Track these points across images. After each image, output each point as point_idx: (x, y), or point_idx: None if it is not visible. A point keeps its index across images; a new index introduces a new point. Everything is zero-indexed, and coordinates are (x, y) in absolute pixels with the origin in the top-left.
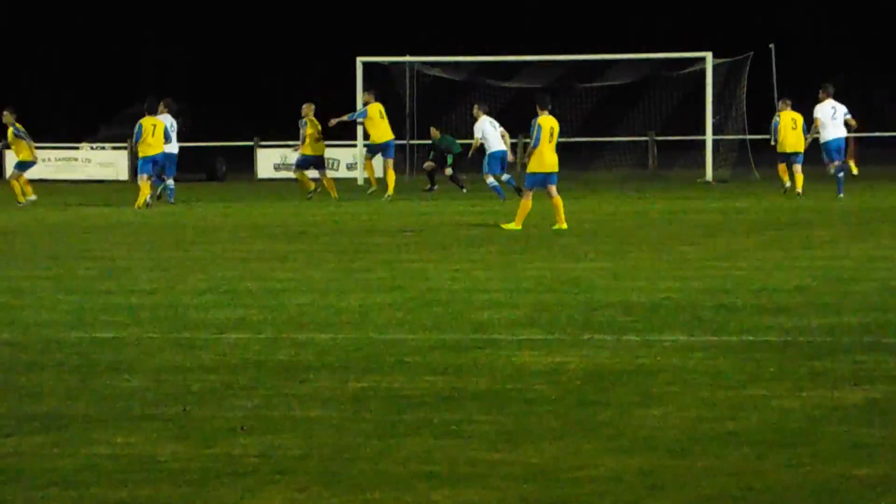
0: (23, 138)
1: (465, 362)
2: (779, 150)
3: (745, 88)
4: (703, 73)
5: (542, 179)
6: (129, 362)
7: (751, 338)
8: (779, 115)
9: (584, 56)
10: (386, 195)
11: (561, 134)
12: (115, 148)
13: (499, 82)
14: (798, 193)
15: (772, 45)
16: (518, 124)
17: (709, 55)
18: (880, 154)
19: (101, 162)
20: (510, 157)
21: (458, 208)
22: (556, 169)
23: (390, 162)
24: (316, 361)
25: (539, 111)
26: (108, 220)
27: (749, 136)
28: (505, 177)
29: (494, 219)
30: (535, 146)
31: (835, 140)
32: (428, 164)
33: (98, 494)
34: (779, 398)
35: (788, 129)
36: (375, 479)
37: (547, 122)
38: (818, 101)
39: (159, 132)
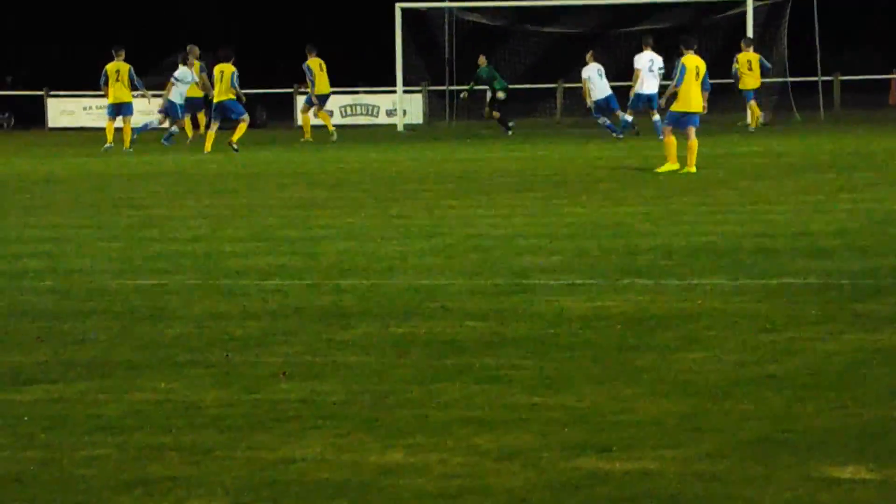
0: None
1: (506, 308)
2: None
3: (786, 31)
4: (743, 16)
5: (683, 119)
6: (171, 309)
7: (792, 281)
8: (737, 57)
9: (624, 0)
10: (305, 139)
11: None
12: (155, 96)
13: (538, 27)
14: (748, 125)
15: None
16: (558, 70)
17: None
18: None
19: (141, 110)
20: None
21: (497, 154)
22: (700, 110)
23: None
24: (357, 307)
25: (683, 51)
26: (149, 169)
27: (790, 79)
28: (602, 120)
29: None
30: (678, 85)
31: (648, 92)
32: (490, 112)
33: (142, 440)
34: (820, 341)
35: (744, 69)
36: (417, 425)
37: (691, 62)
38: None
39: (123, 76)
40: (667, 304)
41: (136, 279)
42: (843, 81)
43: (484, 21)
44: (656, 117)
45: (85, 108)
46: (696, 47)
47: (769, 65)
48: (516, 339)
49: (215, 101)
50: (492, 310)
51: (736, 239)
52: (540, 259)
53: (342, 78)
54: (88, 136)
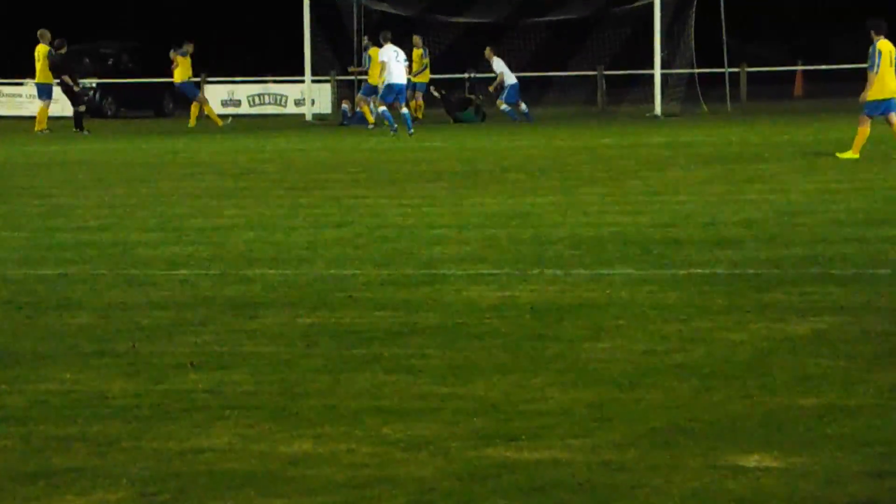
0: None
1: (415, 297)
2: None
3: (694, 23)
4: (651, 7)
5: (884, 105)
6: (77, 299)
7: (699, 271)
8: None
9: None
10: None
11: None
12: (58, 84)
13: (448, 18)
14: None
15: None
16: (467, 60)
17: None
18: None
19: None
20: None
21: (410, 144)
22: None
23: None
24: (265, 297)
25: (874, 36)
26: (54, 158)
27: (697, 71)
28: (504, 107)
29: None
30: (874, 71)
31: (399, 84)
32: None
33: (48, 431)
34: (727, 330)
35: None
36: (326, 414)
37: (886, 47)
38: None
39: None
40: (575, 294)
41: (40, 269)
42: (749, 73)
43: (393, 11)
44: (405, 110)
45: None
46: (886, 31)
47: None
48: (425, 329)
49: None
50: (401, 300)
51: (644, 229)
52: (449, 249)
53: (250, 67)
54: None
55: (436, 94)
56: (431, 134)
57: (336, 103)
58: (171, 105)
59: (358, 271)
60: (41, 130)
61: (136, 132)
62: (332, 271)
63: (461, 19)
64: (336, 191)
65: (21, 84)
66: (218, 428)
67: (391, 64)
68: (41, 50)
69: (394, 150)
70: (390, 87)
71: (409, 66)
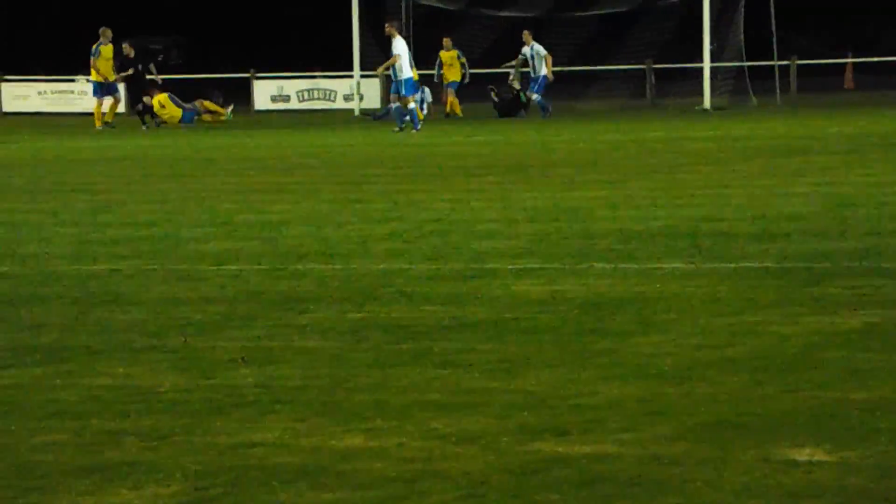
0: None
1: (464, 292)
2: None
3: (743, 16)
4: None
5: None
6: (128, 294)
7: (749, 264)
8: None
9: None
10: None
11: (556, 63)
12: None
13: (494, 12)
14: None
15: None
16: (512, 53)
17: None
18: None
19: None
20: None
21: (455, 139)
22: None
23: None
24: (315, 292)
25: None
26: (105, 154)
27: (747, 64)
28: (537, 98)
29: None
30: None
31: (410, 77)
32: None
33: (100, 425)
34: (777, 324)
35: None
36: (375, 409)
37: None
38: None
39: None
40: (624, 288)
41: (92, 264)
42: (798, 65)
43: (440, 5)
44: (397, 104)
45: (39, 93)
46: None
47: None
48: (474, 324)
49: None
50: (450, 294)
51: (693, 223)
52: (498, 243)
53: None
54: (42, 120)
55: (494, 95)
56: (478, 128)
57: (385, 99)
58: (220, 100)
59: (407, 266)
60: (105, 124)
61: (185, 128)
62: (381, 266)
63: (506, 13)
64: (385, 186)
65: (72, 80)
66: (269, 422)
67: (406, 57)
68: (106, 48)
69: (442, 144)
70: (409, 81)
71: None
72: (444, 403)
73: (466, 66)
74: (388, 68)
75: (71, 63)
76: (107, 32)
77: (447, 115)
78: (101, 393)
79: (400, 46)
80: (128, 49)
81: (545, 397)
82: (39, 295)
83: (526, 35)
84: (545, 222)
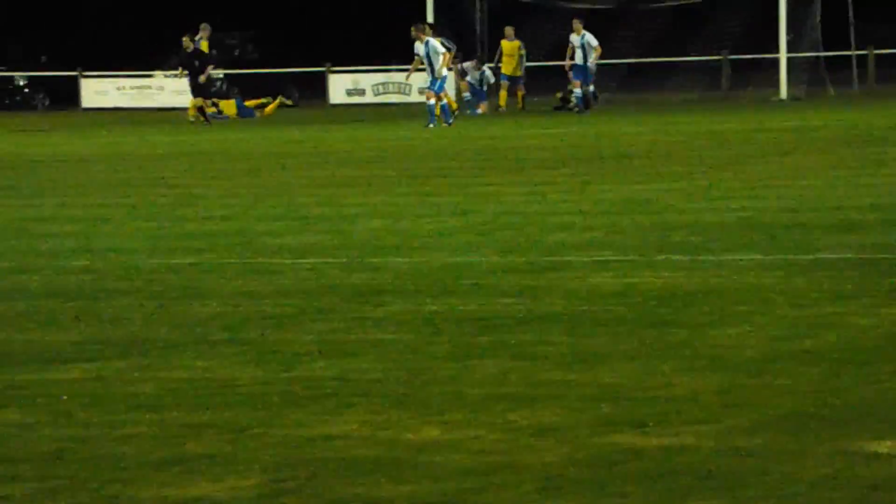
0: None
1: (540, 284)
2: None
3: (820, 4)
4: None
5: None
6: (206, 288)
7: (826, 256)
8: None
9: None
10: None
11: (631, 55)
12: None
13: (567, 3)
14: None
15: None
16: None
17: None
18: None
19: (174, 89)
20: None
21: (530, 131)
22: None
23: None
24: (391, 285)
25: None
26: (183, 148)
27: (824, 54)
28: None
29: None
30: None
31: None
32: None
33: (179, 418)
34: (856, 315)
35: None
36: (452, 401)
37: None
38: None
39: None
40: (701, 280)
41: (170, 258)
42: (877, 55)
43: None
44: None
45: (118, 88)
46: None
47: None
48: (550, 316)
49: None
50: (525, 286)
51: (769, 214)
52: (573, 236)
53: (375, 56)
54: (121, 115)
55: (560, 101)
56: (552, 121)
57: (458, 91)
58: (295, 94)
59: (482, 258)
60: (195, 118)
61: (261, 122)
62: (456, 258)
63: (581, 5)
64: (460, 178)
65: (150, 76)
66: (346, 415)
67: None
68: (205, 44)
69: (517, 137)
70: (445, 80)
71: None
72: (521, 396)
73: (525, 58)
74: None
75: (149, 59)
76: (206, 28)
77: (498, 108)
78: (181, 386)
79: (440, 46)
80: (187, 42)
81: (621, 389)
82: (119, 289)
83: (576, 24)
84: (620, 214)
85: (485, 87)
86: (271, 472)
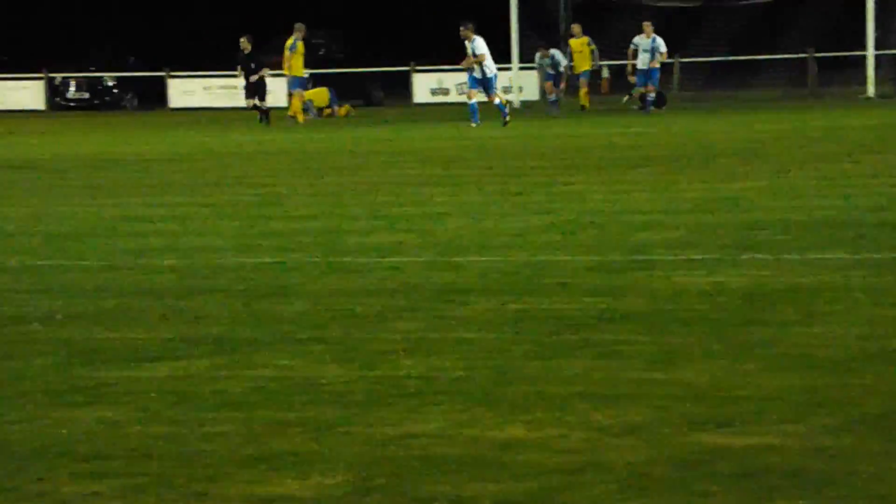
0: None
1: (624, 283)
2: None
3: None
4: None
5: None
6: (291, 287)
7: None
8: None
9: None
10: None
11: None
12: (273, 75)
13: (653, 2)
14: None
15: None
16: (674, 44)
17: None
18: None
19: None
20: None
21: (614, 129)
22: None
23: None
24: (474, 284)
25: None
26: (267, 147)
27: None
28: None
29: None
30: None
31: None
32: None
33: (265, 416)
34: None
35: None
36: (536, 400)
37: None
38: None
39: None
40: (786, 279)
41: (255, 257)
42: None
43: None
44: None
45: (205, 88)
46: None
47: None
48: (634, 315)
49: None
50: (609, 285)
51: (857, 213)
52: (657, 234)
53: (458, 55)
54: (208, 115)
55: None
56: (635, 119)
57: (543, 92)
58: (380, 94)
59: (566, 257)
60: (292, 117)
61: (345, 121)
62: (540, 257)
63: (665, 3)
64: (543, 177)
65: (236, 76)
66: (430, 413)
67: (489, 55)
68: (301, 44)
69: (599, 135)
70: (495, 78)
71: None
72: (605, 394)
73: (597, 53)
74: (469, 67)
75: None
76: (301, 28)
77: (582, 107)
78: (266, 384)
79: (483, 46)
80: (245, 44)
81: (706, 388)
82: (205, 287)
83: (646, 27)
84: (705, 213)
85: (561, 69)
86: (356, 470)
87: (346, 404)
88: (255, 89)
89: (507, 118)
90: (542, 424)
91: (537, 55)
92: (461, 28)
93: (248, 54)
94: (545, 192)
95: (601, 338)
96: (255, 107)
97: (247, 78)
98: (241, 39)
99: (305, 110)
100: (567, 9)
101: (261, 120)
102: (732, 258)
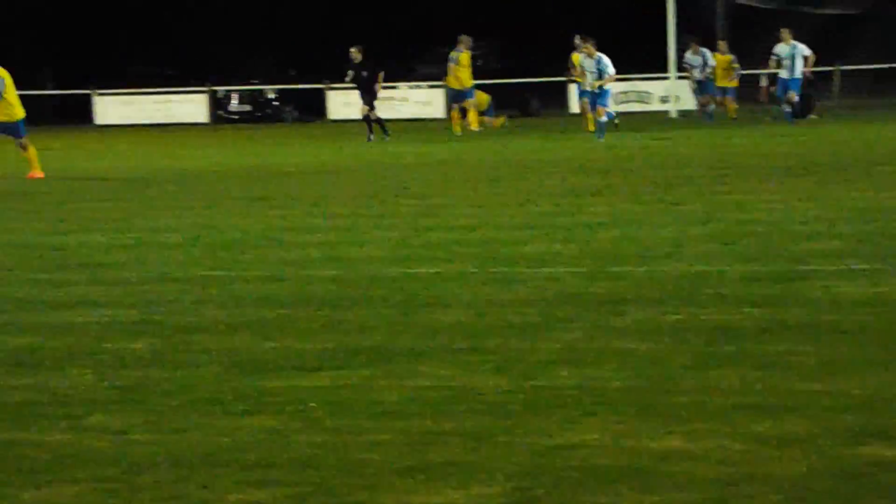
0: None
1: (784, 293)
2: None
3: None
4: None
5: None
6: (448, 297)
7: None
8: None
9: None
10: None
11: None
12: (431, 86)
13: (812, 9)
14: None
15: None
16: (826, 51)
17: None
18: None
19: (417, 100)
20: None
21: (770, 139)
22: None
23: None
24: (632, 294)
25: None
26: (425, 159)
27: None
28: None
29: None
30: None
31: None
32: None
33: (424, 425)
34: None
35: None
36: (695, 411)
37: None
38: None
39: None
40: None
41: (414, 267)
42: None
43: (756, 4)
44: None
45: None
46: None
47: None
48: (795, 325)
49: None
50: (769, 296)
51: None
52: (818, 244)
53: (616, 65)
54: (365, 127)
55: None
56: (791, 128)
57: (700, 106)
58: (537, 105)
59: (725, 267)
60: (470, 129)
61: (501, 132)
62: (698, 267)
63: (827, 11)
64: (701, 187)
65: (394, 87)
66: (588, 424)
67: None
68: (464, 55)
69: (758, 145)
70: (608, 92)
71: (599, 74)
72: (765, 406)
73: (738, 71)
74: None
75: (394, 71)
76: (465, 40)
77: (733, 119)
78: (424, 394)
79: (611, 63)
80: (355, 53)
81: (869, 400)
82: (364, 297)
83: (785, 34)
84: (868, 222)
85: (708, 70)
86: (515, 480)
87: (504, 414)
88: (370, 98)
89: (602, 138)
90: (701, 435)
91: (688, 52)
92: (581, 41)
93: (359, 63)
94: (703, 201)
95: (761, 348)
96: (365, 117)
97: (359, 88)
98: (352, 49)
99: (482, 114)
100: (723, 17)
101: (369, 139)
102: (895, 268)
